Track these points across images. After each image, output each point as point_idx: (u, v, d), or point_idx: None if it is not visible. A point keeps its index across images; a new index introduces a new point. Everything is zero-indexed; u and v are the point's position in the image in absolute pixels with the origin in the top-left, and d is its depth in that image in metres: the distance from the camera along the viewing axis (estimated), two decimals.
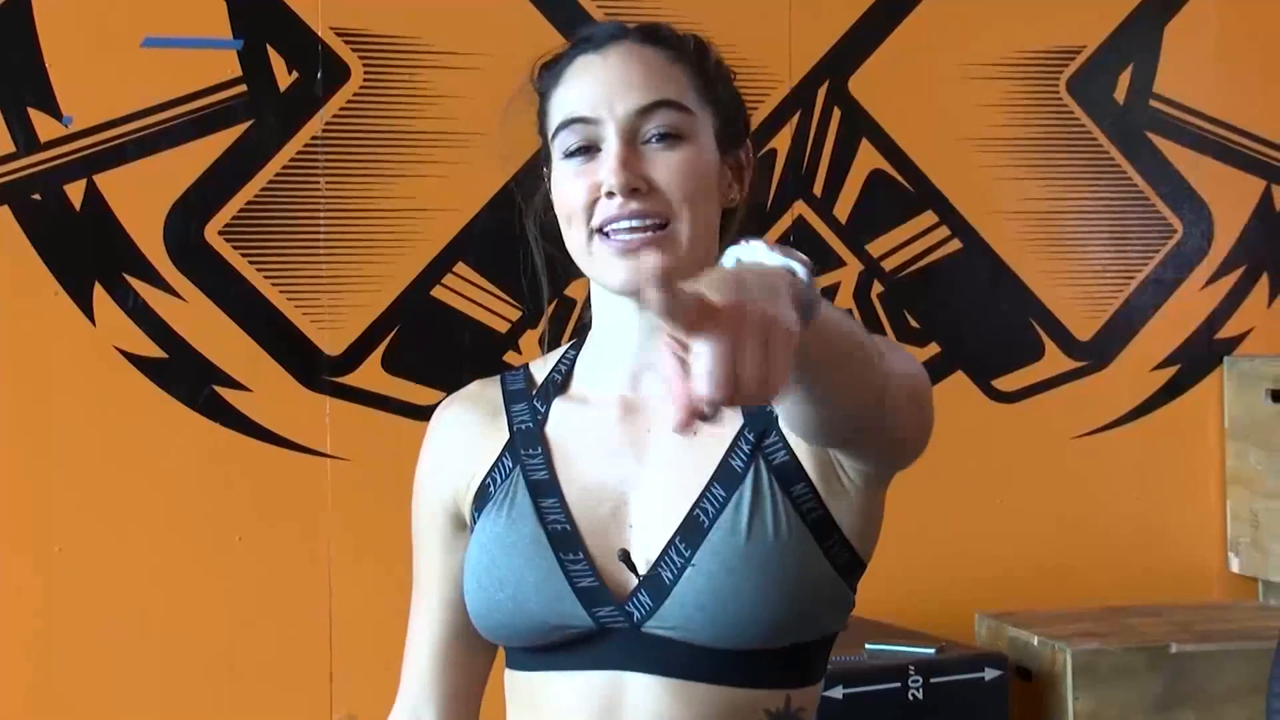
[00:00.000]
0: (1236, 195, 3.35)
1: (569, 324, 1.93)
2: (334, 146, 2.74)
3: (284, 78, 2.69)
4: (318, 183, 2.74)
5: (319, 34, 2.71)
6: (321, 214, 2.75)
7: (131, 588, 2.69)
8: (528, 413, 1.17)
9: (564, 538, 1.09)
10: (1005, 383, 3.10)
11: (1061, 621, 2.95)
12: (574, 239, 1.09)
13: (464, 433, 1.18)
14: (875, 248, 3.06)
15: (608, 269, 1.07)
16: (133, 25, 2.59)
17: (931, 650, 2.52)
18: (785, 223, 2.90)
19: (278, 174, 2.71)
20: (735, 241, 0.79)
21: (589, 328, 1.17)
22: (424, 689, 1.24)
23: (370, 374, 2.81)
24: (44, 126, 2.56)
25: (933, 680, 2.48)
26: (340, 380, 2.79)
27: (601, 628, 1.06)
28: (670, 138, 1.07)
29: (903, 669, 2.50)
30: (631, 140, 1.06)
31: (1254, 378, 3.26)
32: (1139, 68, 3.27)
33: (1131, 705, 2.91)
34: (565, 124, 1.08)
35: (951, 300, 3.15)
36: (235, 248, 2.69)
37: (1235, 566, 3.23)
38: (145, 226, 2.66)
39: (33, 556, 2.58)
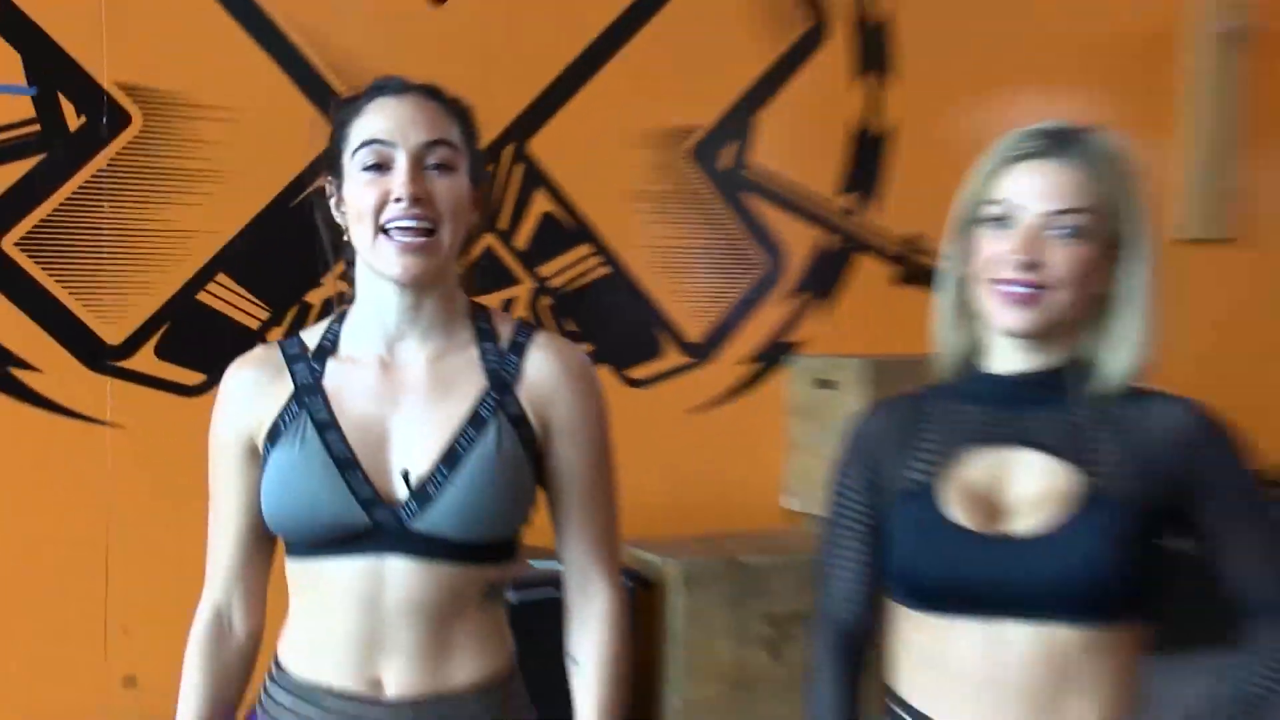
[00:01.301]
0: (799, 239, 4.29)
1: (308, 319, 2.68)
2: (117, 178, 3.27)
3: (74, 120, 3.22)
4: (102, 206, 3.27)
5: (105, 86, 3.25)
6: (105, 231, 3.29)
7: None
8: (306, 370, 1.39)
9: (345, 462, 1.32)
10: (637, 372, 3.92)
11: (672, 545, 3.74)
12: (361, 234, 1.32)
13: (255, 386, 1.40)
14: (545, 270, 3.81)
15: (387, 262, 1.31)
16: None
17: None
18: (478, 250, 3.69)
19: (68, 199, 3.22)
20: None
21: (343, 305, 1.43)
22: (226, 581, 1.47)
23: (145, 360, 3.38)
24: None
25: None
26: (120, 364, 3.35)
27: (375, 526, 1.31)
28: (444, 168, 1.32)
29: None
30: (417, 164, 1.30)
31: (808, 371, 4.21)
32: (738, 144, 4.17)
33: (718, 601, 3.73)
34: (366, 143, 1.31)
35: (600, 311, 3.86)
36: (30, 256, 3.21)
37: (792, 505, 4.22)
38: None
39: None
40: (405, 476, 1.33)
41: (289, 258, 3.45)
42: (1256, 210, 4.95)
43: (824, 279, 4.36)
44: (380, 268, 1.32)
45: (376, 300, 1.37)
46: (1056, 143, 1.31)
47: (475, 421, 1.34)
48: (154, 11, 3.32)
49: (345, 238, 1.38)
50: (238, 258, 3.46)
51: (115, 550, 3.33)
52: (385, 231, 1.30)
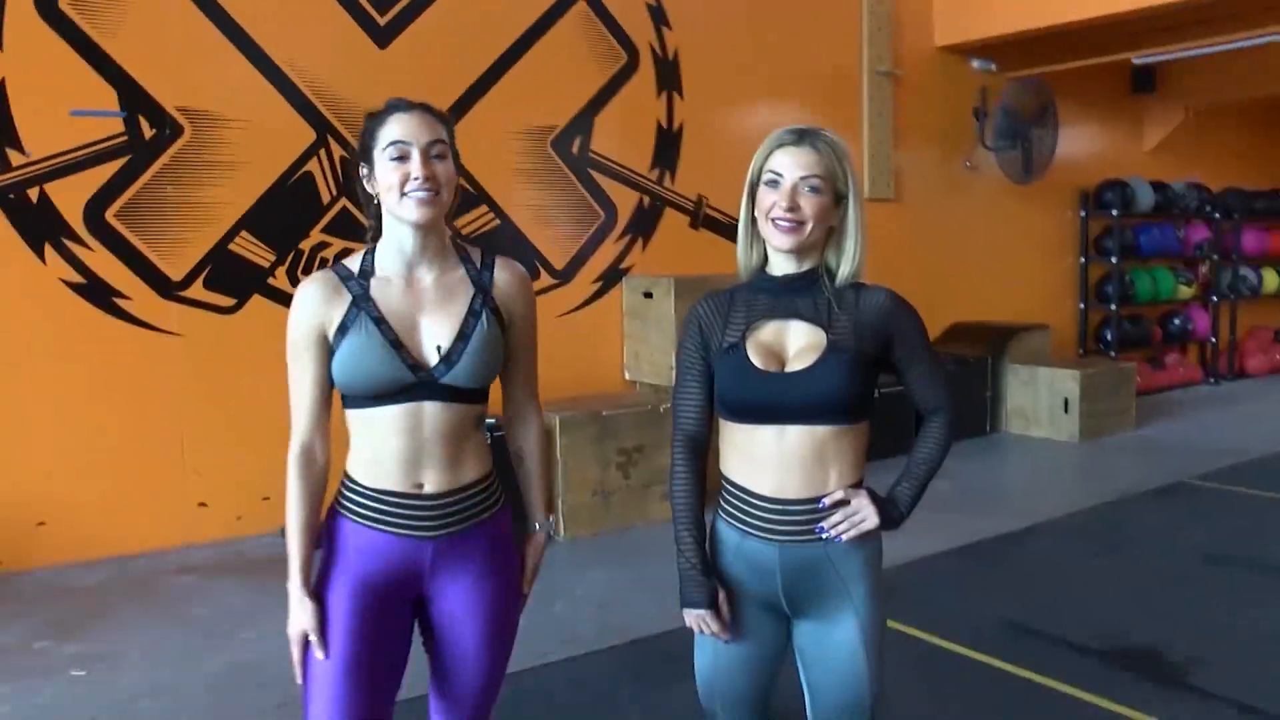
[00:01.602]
0: (626, 199, 5.82)
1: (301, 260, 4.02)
2: (176, 169, 4.53)
3: (148, 132, 4.49)
4: (167, 189, 4.54)
5: (167, 109, 4.52)
6: (169, 205, 4.56)
7: (79, 396, 4.40)
8: (357, 286, 1.78)
9: (395, 343, 1.76)
10: None
11: (553, 405, 4.73)
12: (390, 197, 1.76)
13: (323, 296, 1.78)
14: (459, 223, 4.99)
15: (409, 212, 1.76)
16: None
17: None
18: None
19: (145, 184, 4.49)
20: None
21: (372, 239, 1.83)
22: (309, 426, 1.82)
23: (197, 290, 4.67)
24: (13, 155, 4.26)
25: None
26: (181, 294, 4.64)
27: (416, 382, 1.76)
28: (441, 157, 1.77)
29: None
30: (425, 155, 1.75)
31: (636, 287, 5.60)
32: (583, 136, 5.66)
33: (585, 439, 4.76)
34: (393, 143, 1.75)
35: (495, 250, 5.00)
36: (122, 222, 4.48)
37: (629, 376, 5.66)
38: (74, 211, 4.39)
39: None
40: (438, 349, 1.77)
41: (287, 219, 4.87)
42: (903, 180, 7.17)
43: (643, 225, 5.95)
44: (403, 216, 1.76)
45: (399, 239, 1.80)
46: (804, 136, 1.83)
47: (472, 314, 1.80)
48: (196, 58, 4.61)
49: (375, 201, 1.82)
50: (254, 219, 4.77)
51: (186, 417, 4.67)
52: (406, 194, 1.74)
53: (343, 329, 1.75)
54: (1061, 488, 5.97)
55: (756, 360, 1.80)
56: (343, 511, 1.83)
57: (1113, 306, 8.69)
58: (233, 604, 3.99)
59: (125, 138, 4.49)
